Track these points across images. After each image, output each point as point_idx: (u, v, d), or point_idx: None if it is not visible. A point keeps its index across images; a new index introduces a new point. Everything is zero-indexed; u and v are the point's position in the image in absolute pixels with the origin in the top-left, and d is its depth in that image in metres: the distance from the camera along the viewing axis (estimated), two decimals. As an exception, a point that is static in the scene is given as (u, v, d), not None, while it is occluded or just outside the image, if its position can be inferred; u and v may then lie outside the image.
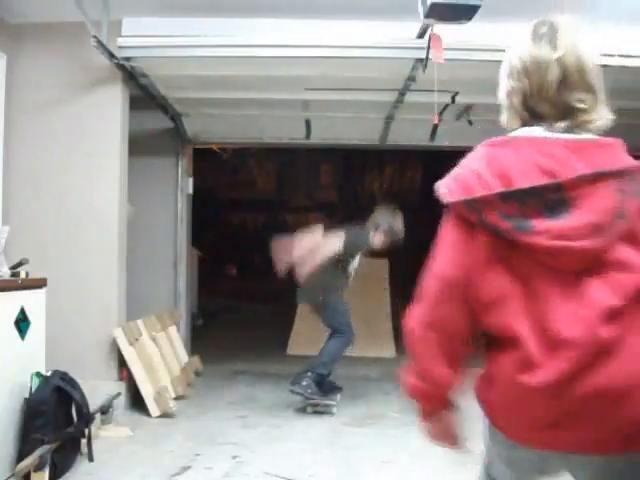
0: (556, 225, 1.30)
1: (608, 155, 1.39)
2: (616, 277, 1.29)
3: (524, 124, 1.46)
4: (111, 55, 4.64)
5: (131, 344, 4.87)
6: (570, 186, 1.31)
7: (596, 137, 1.42)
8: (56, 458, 3.34)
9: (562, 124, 1.41)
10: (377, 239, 5.18)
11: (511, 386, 1.33)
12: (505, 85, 1.48)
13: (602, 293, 1.28)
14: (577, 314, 1.27)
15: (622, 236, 1.31)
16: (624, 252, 1.31)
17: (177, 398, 5.24)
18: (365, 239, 5.18)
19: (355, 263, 5.38)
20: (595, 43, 1.48)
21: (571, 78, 1.40)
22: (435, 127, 6.41)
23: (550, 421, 1.31)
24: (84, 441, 3.75)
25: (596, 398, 1.25)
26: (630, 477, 1.34)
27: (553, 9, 4.90)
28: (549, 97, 1.41)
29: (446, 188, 1.41)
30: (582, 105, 1.41)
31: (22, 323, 3.55)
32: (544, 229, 1.30)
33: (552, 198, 1.32)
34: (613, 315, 1.26)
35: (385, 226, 5.15)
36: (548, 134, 1.40)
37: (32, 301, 3.65)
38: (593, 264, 1.31)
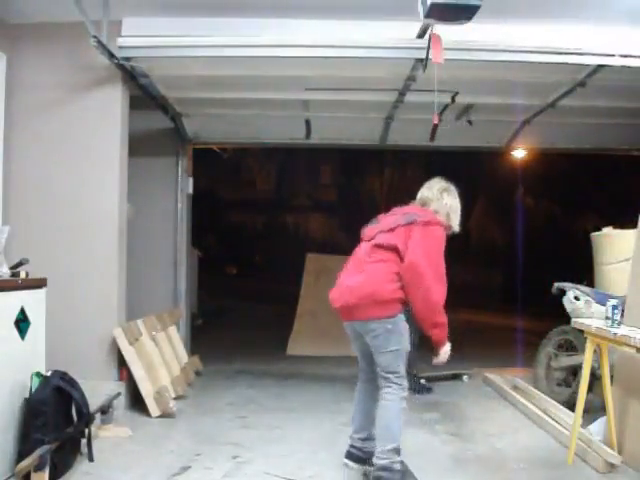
0: (368, 227, 3.60)
1: (412, 211, 3.51)
2: (373, 243, 3.44)
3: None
4: (111, 55, 4.64)
5: (131, 344, 4.87)
6: (381, 219, 3.60)
7: (420, 208, 3.58)
8: (56, 458, 3.34)
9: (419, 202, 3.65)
10: None
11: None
12: None
13: (365, 249, 3.48)
14: (357, 257, 3.51)
15: (388, 230, 3.43)
16: (384, 236, 3.42)
17: (177, 398, 5.24)
18: None
19: None
20: None
21: (426, 193, 3.65)
22: (435, 127, 6.41)
23: (334, 300, 3.47)
24: (84, 441, 3.76)
25: (347, 291, 3.38)
26: (363, 330, 3.36)
27: (553, 9, 4.88)
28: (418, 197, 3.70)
29: None
30: (428, 197, 3.62)
31: (22, 323, 3.54)
32: (367, 228, 3.61)
33: (374, 221, 3.63)
34: (365, 256, 3.43)
35: None
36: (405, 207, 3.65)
37: (32, 301, 3.65)
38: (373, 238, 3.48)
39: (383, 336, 3.29)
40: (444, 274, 3.32)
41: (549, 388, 5.43)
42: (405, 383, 3.37)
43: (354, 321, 3.39)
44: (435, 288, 3.26)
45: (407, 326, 3.36)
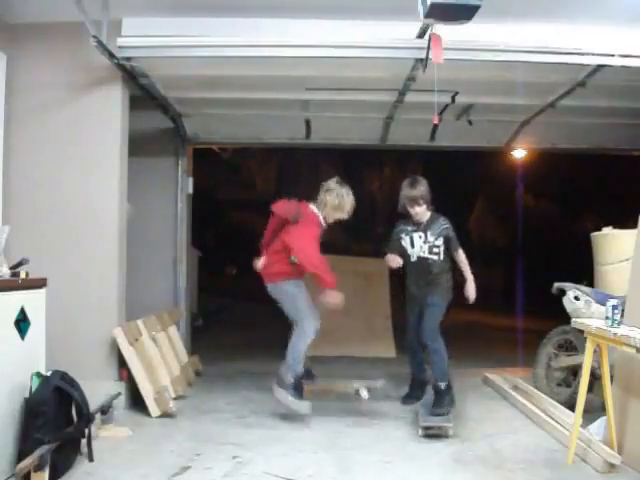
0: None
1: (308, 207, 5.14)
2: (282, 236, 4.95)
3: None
4: (111, 55, 4.64)
5: (131, 344, 4.87)
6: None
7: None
8: (56, 458, 3.34)
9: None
10: None
11: None
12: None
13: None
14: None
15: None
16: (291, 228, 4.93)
17: (177, 398, 5.24)
18: None
19: None
20: None
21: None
22: (435, 127, 6.42)
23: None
24: (84, 441, 3.75)
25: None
26: (274, 292, 5.15)
27: (553, 9, 4.90)
28: None
29: None
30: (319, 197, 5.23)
31: (22, 323, 3.54)
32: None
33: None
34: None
35: None
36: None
37: (32, 301, 3.65)
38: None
39: None
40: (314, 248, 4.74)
41: (549, 388, 5.43)
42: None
43: None
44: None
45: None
